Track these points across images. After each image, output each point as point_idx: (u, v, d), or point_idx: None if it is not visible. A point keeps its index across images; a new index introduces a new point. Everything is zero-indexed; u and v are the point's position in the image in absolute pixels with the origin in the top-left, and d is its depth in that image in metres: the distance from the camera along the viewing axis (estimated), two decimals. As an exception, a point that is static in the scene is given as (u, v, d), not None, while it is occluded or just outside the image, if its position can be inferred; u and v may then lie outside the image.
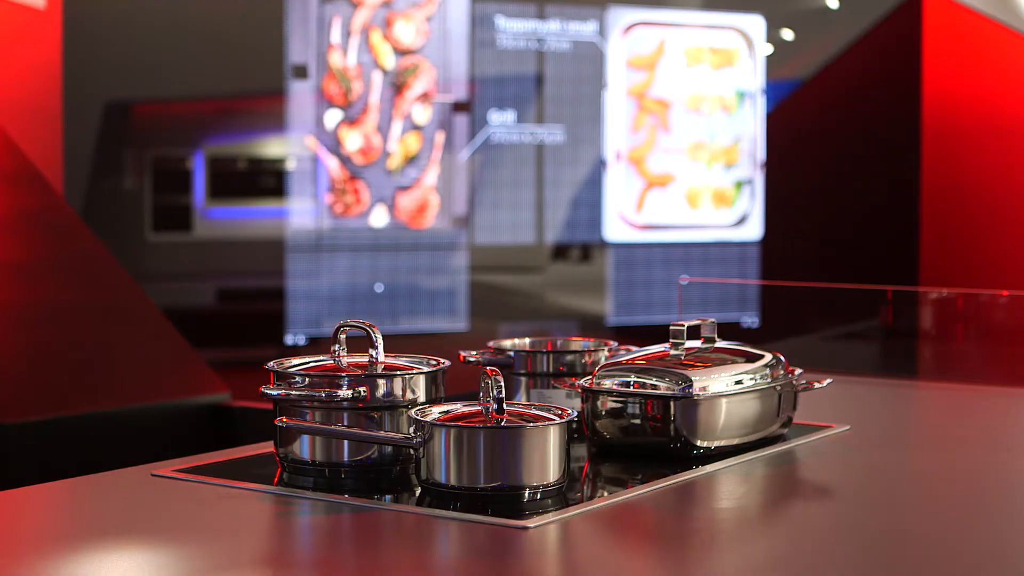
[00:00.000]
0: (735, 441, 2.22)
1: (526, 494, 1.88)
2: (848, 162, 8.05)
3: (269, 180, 7.52)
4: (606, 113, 7.46)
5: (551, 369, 2.39)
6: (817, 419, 2.52)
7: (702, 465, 2.15)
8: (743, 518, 1.95)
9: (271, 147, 7.35)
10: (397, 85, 7.02)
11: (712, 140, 7.56)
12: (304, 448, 2.02)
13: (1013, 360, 3.46)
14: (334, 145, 7.01)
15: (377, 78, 7.01)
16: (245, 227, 7.70)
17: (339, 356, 2.10)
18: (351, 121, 7.02)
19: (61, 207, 4.23)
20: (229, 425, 4.15)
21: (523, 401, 2.34)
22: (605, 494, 2.05)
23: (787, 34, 8.04)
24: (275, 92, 7.12)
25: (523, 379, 2.39)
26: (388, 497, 1.96)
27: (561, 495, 1.92)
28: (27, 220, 4.16)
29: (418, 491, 1.95)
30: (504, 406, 1.90)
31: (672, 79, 7.53)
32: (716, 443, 2.19)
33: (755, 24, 7.71)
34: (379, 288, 7.10)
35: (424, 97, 7.04)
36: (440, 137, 7.10)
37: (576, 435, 2.28)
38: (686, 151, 7.54)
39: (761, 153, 7.66)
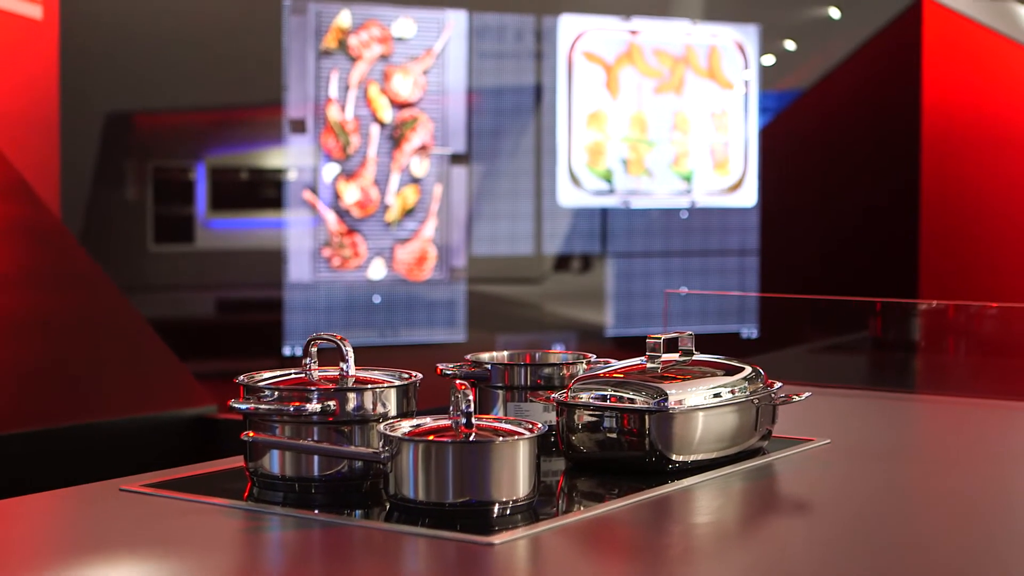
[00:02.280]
0: (712, 455, 2.20)
1: (495, 509, 1.86)
2: (848, 172, 8.03)
3: (270, 191, 7.51)
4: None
5: (528, 382, 2.37)
6: (799, 432, 2.50)
7: (678, 479, 2.13)
8: (718, 533, 1.93)
9: (272, 158, 7.34)
10: (395, 138, 7.02)
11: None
12: (274, 463, 2.00)
13: (1005, 372, 3.44)
14: (332, 199, 7.00)
15: (375, 131, 7.00)
16: (246, 238, 7.69)
17: (310, 369, 2.08)
18: (349, 175, 7.01)
19: (49, 219, 4.21)
20: (214, 437, 4.14)
21: (498, 415, 2.32)
22: (581, 508, 2.03)
23: (789, 45, 8.03)
24: (275, 103, 7.11)
25: (500, 392, 2.37)
26: (358, 512, 1.95)
27: (532, 510, 1.90)
28: (14, 231, 4.15)
29: (388, 506, 1.93)
30: (473, 420, 1.88)
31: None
32: (692, 457, 2.17)
33: (749, 34, 7.69)
34: (376, 299, 7.09)
35: (422, 150, 7.04)
36: (438, 189, 7.10)
37: (554, 448, 2.26)
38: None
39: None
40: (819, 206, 8.00)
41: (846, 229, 8.02)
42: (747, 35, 7.70)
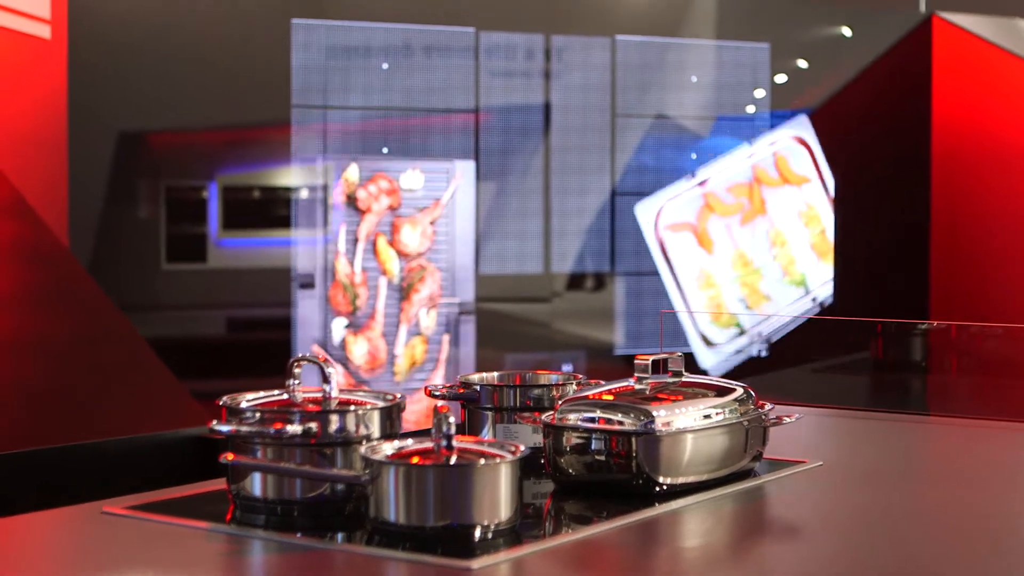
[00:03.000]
0: (700, 477, 2.18)
1: (477, 533, 1.84)
2: (857, 191, 8.00)
3: (281, 210, 7.52)
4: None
5: (518, 403, 2.35)
6: (792, 454, 2.48)
7: (666, 502, 2.11)
8: (706, 556, 1.91)
9: (284, 177, 7.34)
10: (403, 290, 7.02)
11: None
12: (256, 485, 1.98)
13: (1009, 393, 3.41)
14: (340, 355, 7.00)
15: (383, 284, 7.01)
16: (258, 257, 7.70)
17: (293, 391, 2.07)
18: (357, 329, 7.01)
19: (50, 238, 4.21)
20: (212, 457, 4.10)
21: (486, 437, 2.31)
22: (565, 531, 2.01)
23: (799, 63, 8.02)
24: (285, 123, 7.12)
25: (490, 414, 2.35)
26: (341, 535, 1.93)
27: (514, 533, 1.88)
28: (15, 251, 4.15)
29: (370, 530, 1.91)
30: (453, 443, 1.86)
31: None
32: (680, 480, 2.15)
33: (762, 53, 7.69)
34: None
35: (430, 301, 7.04)
36: (446, 340, 7.10)
37: (544, 471, 2.24)
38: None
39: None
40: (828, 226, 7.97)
41: (855, 248, 7.98)
42: (760, 57, 7.69)
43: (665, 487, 2.14)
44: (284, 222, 7.32)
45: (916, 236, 7.99)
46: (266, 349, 7.58)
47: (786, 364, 6.86)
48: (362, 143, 7.19)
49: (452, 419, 1.87)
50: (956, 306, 7.61)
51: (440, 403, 1.92)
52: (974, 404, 3.43)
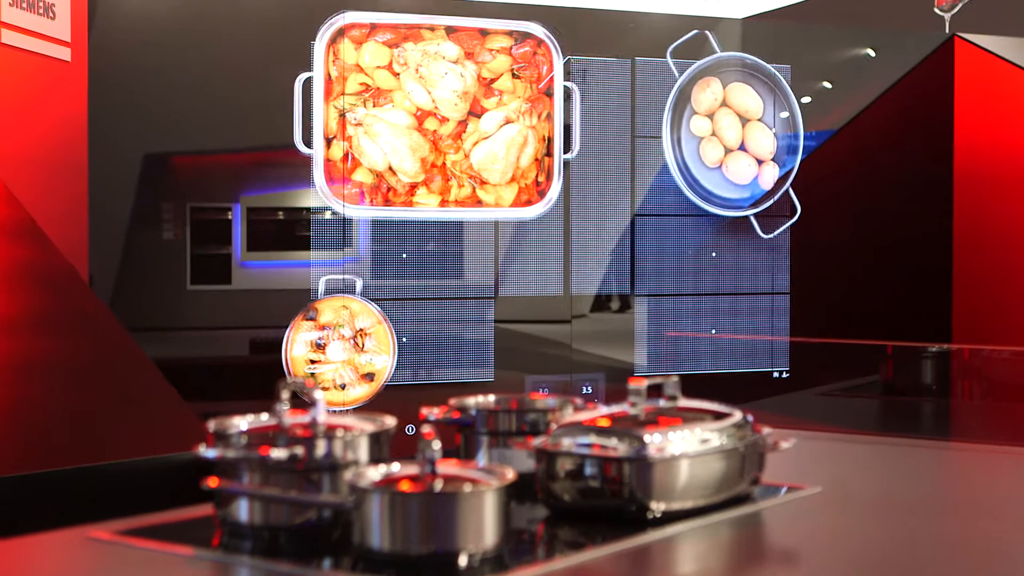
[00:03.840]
0: (695, 503, 2.15)
1: (462, 559, 1.82)
2: (880, 212, 7.95)
3: (304, 231, 7.52)
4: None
5: (514, 428, 2.33)
6: (792, 479, 2.45)
7: (660, 528, 2.08)
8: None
9: (305, 198, 7.35)
10: None
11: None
12: (242, 511, 1.97)
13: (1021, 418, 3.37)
14: None
15: None
16: (280, 279, 7.70)
17: (281, 415, 2.05)
18: None
19: (58, 261, 4.23)
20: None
21: (481, 462, 2.29)
22: (558, 557, 1.99)
23: (821, 85, 7.99)
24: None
25: (485, 439, 2.33)
26: (327, 562, 1.91)
27: (500, 560, 1.86)
28: (23, 274, 4.16)
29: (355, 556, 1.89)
30: (438, 469, 1.85)
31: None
32: (674, 506, 2.12)
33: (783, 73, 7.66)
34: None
35: None
36: None
37: (540, 496, 2.22)
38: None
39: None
40: (851, 246, 7.93)
41: (878, 270, 7.94)
42: (780, 75, 7.67)
43: (659, 513, 2.11)
44: (307, 243, 7.33)
45: (938, 255, 7.94)
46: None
47: (803, 386, 6.82)
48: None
49: (437, 445, 1.85)
50: (979, 326, 7.54)
51: (426, 429, 1.91)
52: (990, 429, 3.40)
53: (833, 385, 4.21)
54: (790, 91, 7.65)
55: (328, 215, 7.20)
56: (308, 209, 7.37)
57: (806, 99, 7.80)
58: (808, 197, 7.65)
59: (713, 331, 7.53)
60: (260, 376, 7.74)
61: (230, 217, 7.92)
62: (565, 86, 7.28)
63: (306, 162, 7.20)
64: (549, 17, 7.38)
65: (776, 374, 7.43)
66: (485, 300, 7.27)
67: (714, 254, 7.60)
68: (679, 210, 7.56)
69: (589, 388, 7.41)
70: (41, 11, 6.05)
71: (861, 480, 2.67)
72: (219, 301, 8.02)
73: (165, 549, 1.95)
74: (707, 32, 7.57)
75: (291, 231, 7.61)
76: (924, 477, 2.78)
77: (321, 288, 7.21)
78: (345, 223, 7.17)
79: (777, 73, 7.64)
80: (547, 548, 2.08)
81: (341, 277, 7.21)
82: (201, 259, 8.02)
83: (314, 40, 7.05)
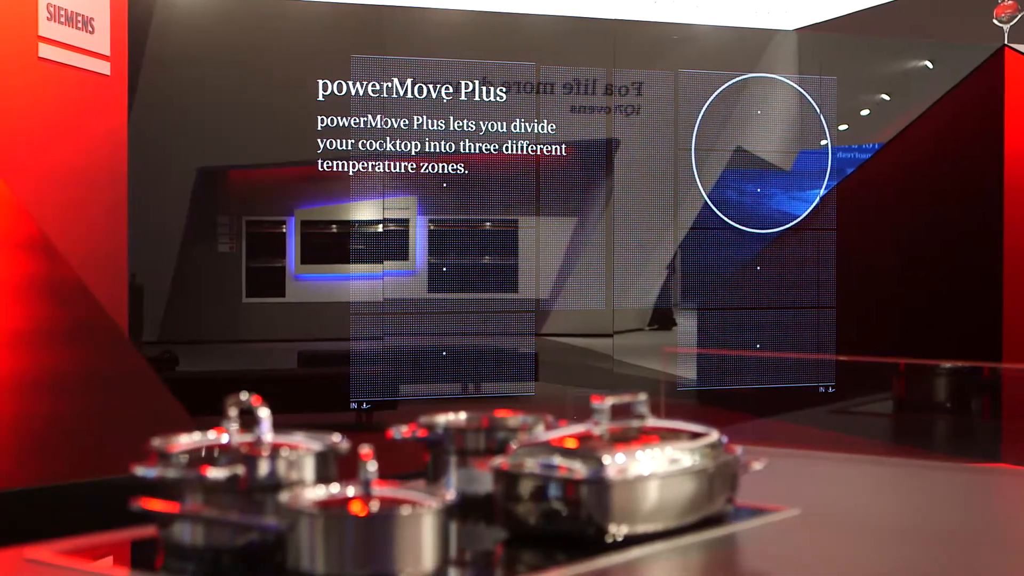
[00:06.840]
0: (658, 527, 2.08)
1: (396, 585, 1.77)
2: (929, 224, 7.84)
3: (359, 244, 7.53)
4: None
5: (482, 447, 2.27)
6: (774, 501, 2.37)
7: (619, 552, 2.02)
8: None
9: (360, 212, 7.36)
10: None
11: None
12: (185, 532, 1.93)
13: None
14: None
15: None
16: (333, 292, 7.71)
17: (229, 433, 2.01)
18: None
19: (67, 274, 4.22)
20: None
21: (449, 482, 2.23)
22: (509, 582, 1.94)
23: (872, 98, 7.91)
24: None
25: (453, 457, 2.27)
26: (268, 584, 1.87)
27: (439, 586, 1.81)
28: (30, 288, 4.16)
29: (298, 579, 1.84)
30: (372, 491, 1.80)
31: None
32: (635, 529, 2.06)
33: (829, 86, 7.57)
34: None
35: None
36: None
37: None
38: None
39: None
40: (900, 260, 7.81)
41: (927, 283, 7.81)
42: (827, 88, 7.58)
43: (619, 537, 2.05)
44: (361, 256, 7.34)
45: (989, 267, 7.80)
46: (331, 383, 7.59)
47: (845, 399, 6.71)
48: (421, 178, 7.17)
49: (373, 467, 1.80)
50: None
51: (365, 449, 1.85)
52: (1008, 448, 3.31)
53: (870, 400, 4.11)
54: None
55: (381, 228, 7.22)
56: (357, 222, 7.37)
57: (864, 112, 7.72)
58: (856, 210, 7.56)
59: (758, 346, 7.44)
60: (305, 388, 7.74)
61: (284, 230, 7.94)
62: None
63: (359, 175, 7.20)
64: (601, 30, 7.34)
65: (822, 389, 7.32)
66: (526, 313, 7.23)
67: (759, 268, 7.51)
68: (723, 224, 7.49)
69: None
70: (80, 25, 6.07)
71: (845, 502, 2.58)
72: (274, 313, 8.05)
73: (103, 571, 1.91)
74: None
75: (345, 244, 7.62)
76: (938, 501, 2.69)
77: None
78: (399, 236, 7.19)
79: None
80: (505, 571, 2.03)
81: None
82: (256, 272, 8.05)
83: (353, 52, 7.05)
